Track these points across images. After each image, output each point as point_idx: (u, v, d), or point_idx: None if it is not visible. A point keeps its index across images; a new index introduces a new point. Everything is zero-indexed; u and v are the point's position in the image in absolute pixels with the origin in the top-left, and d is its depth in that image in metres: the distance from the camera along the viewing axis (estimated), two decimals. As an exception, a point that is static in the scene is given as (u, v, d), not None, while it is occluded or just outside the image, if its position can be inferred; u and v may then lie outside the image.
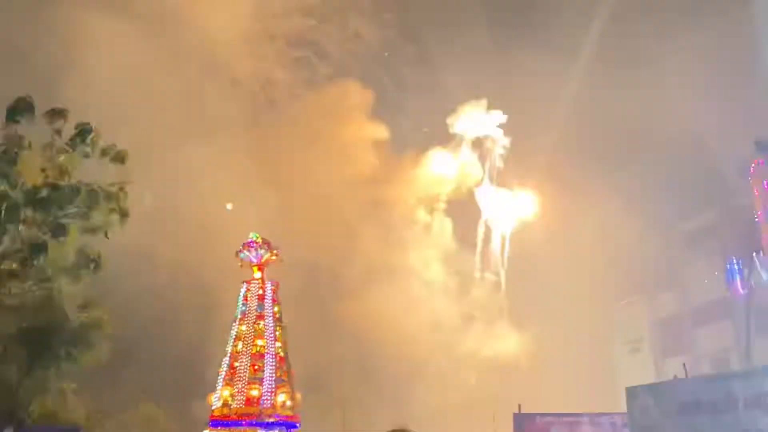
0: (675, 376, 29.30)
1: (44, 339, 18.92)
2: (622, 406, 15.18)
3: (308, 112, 45.79)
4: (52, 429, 20.09)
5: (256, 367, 28.72)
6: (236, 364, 28.77)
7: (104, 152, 20.84)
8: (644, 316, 36.52)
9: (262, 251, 30.59)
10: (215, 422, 28.06)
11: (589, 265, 39.40)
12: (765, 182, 25.01)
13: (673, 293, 34.68)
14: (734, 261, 28.94)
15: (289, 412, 28.89)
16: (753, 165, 25.33)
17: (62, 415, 21.47)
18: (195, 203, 37.67)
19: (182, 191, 37.33)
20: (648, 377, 30.20)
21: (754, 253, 27.35)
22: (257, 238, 30.63)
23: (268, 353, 29.45)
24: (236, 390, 27.98)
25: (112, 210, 20.64)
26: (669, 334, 34.33)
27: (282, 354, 29.87)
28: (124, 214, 21.10)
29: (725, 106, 27.87)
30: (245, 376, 28.50)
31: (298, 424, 28.88)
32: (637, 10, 38.54)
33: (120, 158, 21.22)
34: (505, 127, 48.00)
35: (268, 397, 28.61)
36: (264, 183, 40.65)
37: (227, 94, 44.61)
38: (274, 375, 28.83)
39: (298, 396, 29.50)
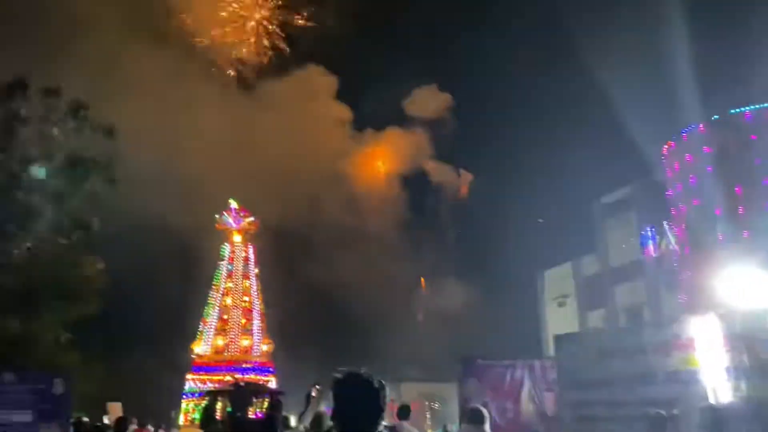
0: (594, 326, 30.47)
1: (42, 294, 18.70)
2: (552, 352, 15.65)
3: (278, 92, 45.17)
4: (49, 374, 19.89)
5: (245, 320, 29.06)
6: (225, 316, 28.97)
7: (94, 126, 20.46)
8: (570, 275, 37.18)
9: (242, 217, 30.51)
10: (198, 368, 28.18)
11: (523, 231, 40.28)
12: (676, 164, 25.46)
13: (596, 256, 35.33)
14: (648, 229, 29.78)
15: (265, 359, 29.21)
16: (666, 147, 25.81)
17: (58, 361, 21.26)
18: (176, 171, 37.02)
19: (164, 161, 36.56)
20: (573, 328, 31.07)
21: (665, 222, 28.11)
22: (235, 204, 30.47)
23: (254, 309, 29.76)
24: (229, 339, 28.24)
25: (102, 179, 20.35)
26: (591, 291, 34.93)
27: (262, 309, 30.20)
28: (112, 183, 20.82)
29: (644, 95, 28.33)
30: (237, 327, 28.77)
31: (272, 369, 29.21)
32: None
33: (109, 132, 20.84)
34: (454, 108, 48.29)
35: (257, 347, 28.98)
36: (238, 155, 40.09)
37: (204, 74, 43.74)
38: (261, 327, 29.21)
39: (272, 344, 29.81)
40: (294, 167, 41.80)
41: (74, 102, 19.72)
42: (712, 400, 9.12)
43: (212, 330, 28.79)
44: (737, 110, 22.73)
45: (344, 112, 46.09)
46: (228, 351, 28.27)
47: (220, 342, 28.13)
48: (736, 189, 21.30)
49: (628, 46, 32.96)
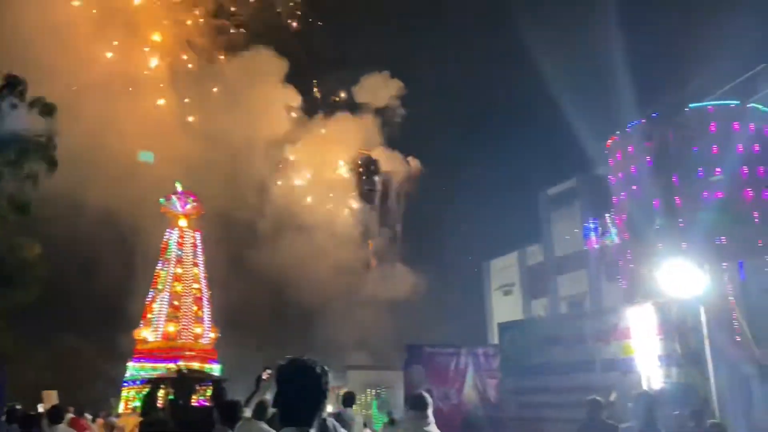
0: (539, 315, 31.16)
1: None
2: (496, 340, 15.96)
3: (226, 75, 44.30)
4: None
5: (196, 307, 28.60)
6: (176, 302, 28.41)
7: (33, 104, 19.60)
8: (516, 264, 37.78)
9: (188, 202, 29.88)
10: (140, 355, 27.54)
11: (470, 225, 40.88)
12: (618, 154, 26.14)
13: (540, 246, 35.97)
14: (591, 221, 30.58)
15: (209, 346, 28.83)
16: (609, 142, 26.49)
17: (-9, 349, 20.45)
18: (119, 154, 35.90)
19: (107, 142, 35.40)
20: (517, 316, 31.67)
21: (607, 215, 28.92)
22: (181, 187, 29.80)
23: (203, 296, 29.38)
24: (181, 326, 27.73)
25: (41, 159, 19.55)
26: (535, 280, 35.60)
27: (209, 296, 29.83)
28: (52, 164, 20.02)
29: (590, 92, 29.03)
30: (190, 314, 28.29)
31: (216, 356, 28.84)
32: None
33: (48, 111, 20.00)
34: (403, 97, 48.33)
35: (206, 334, 28.54)
36: (184, 137, 39.24)
37: (150, 55, 42.51)
38: (210, 315, 28.89)
39: (218, 332, 29.43)
40: (240, 151, 41.20)
41: (10, 77, 18.80)
42: (645, 387, 9.48)
43: (161, 317, 28.16)
44: (678, 108, 23.54)
45: (293, 96, 45.60)
46: (180, 338, 27.80)
47: (171, 329, 27.56)
48: (674, 180, 22.06)
49: (576, 43, 33.75)
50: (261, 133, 42.95)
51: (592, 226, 30.15)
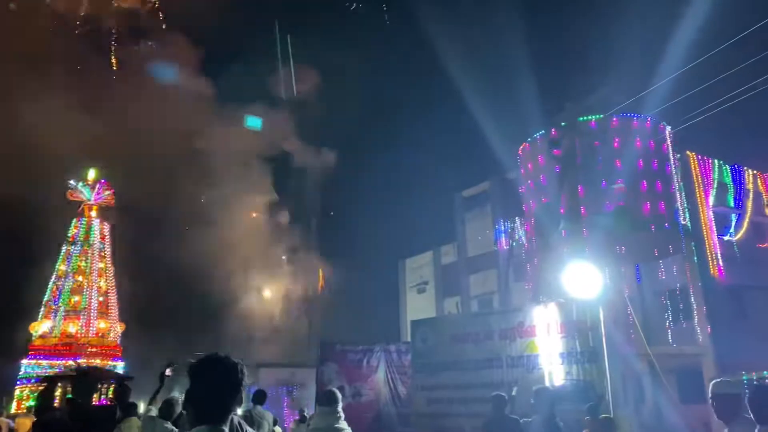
0: (449, 312, 31.75)
1: None
2: (409, 337, 16.20)
3: (137, 61, 42.57)
4: None
5: (100, 300, 27.17)
6: (77, 297, 26.87)
7: None
8: (430, 263, 38.42)
9: (102, 191, 28.45)
10: (36, 352, 25.97)
11: (386, 224, 41.22)
12: (530, 164, 27.10)
13: (454, 246, 36.72)
14: (502, 223, 31.61)
15: (112, 343, 27.56)
16: (521, 149, 27.42)
17: None
18: (17, 134, 33.65)
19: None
20: (431, 313, 32.23)
21: (517, 218, 29.98)
22: (95, 176, 28.31)
23: (110, 291, 27.94)
24: (83, 321, 26.24)
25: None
26: (448, 279, 36.28)
27: (107, 288, 28.41)
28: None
29: (503, 99, 29.99)
30: (94, 310, 26.83)
31: (120, 353, 27.64)
32: None
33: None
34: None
35: (111, 330, 27.16)
36: (88, 123, 37.35)
37: (52, 33, 40.11)
38: (116, 310, 27.53)
39: (123, 327, 28.18)
40: (149, 140, 39.63)
41: None
42: (546, 382, 9.93)
43: (60, 311, 26.60)
44: (584, 118, 24.68)
45: (206, 86, 44.37)
46: (81, 334, 26.35)
47: (72, 325, 26.06)
48: (579, 190, 23.17)
49: (491, 47, 34.75)
50: (172, 121, 41.48)
51: (502, 228, 31.18)
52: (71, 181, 28.54)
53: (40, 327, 26.13)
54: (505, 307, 25.66)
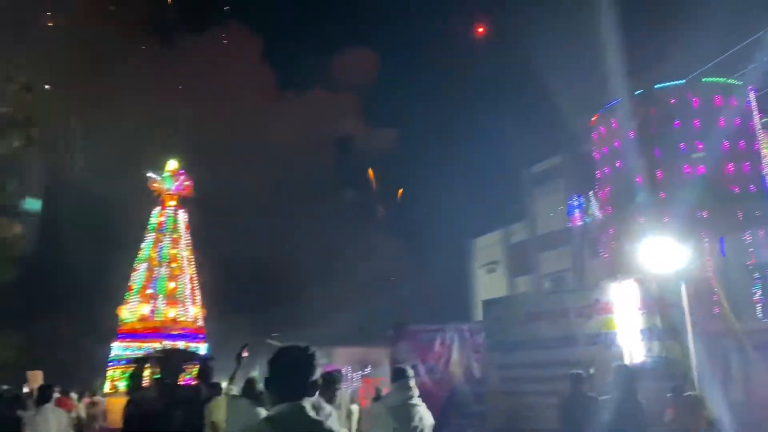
0: (522, 292, 31.45)
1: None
2: (480, 316, 16.09)
3: (199, 49, 43.87)
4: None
5: (173, 285, 28.53)
6: (161, 281, 28.27)
7: (9, 80, 19.21)
8: (499, 242, 38.03)
9: (180, 180, 29.59)
10: (125, 334, 27.47)
11: (455, 199, 40.89)
12: (602, 129, 26.30)
13: (524, 224, 36.21)
14: (574, 197, 30.83)
15: (195, 325, 28.84)
16: (593, 119, 26.66)
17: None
18: (98, 130, 35.36)
19: (83, 119, 34.81)
20: (501, 293, 32.02)
21: (591, 192, 29.16)
22: (176, 168, 29.45)
23: (185, 274, 29.29)
24: (166, 304, 27.63)
25: (19, 138, 19.25)
26: (519, 258, 35.89)
27: (192, 273, 29.77)
28: (30, 142, 19.73)
29: (575, 70, 29.00)
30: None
31: (202, 335, 28.88)
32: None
33: (26, 86, 19.65)
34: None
35: (188, 313, 28.46)
36: (157, 115, 38.85)
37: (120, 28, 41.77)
38: (192, 293, 28.82)
39: (203, 311, 29.42)
40: (216, 128, 40.86)
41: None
42: (626, 360, 9.69)
43: (146, 295, 28.07)
44: (661, 85, 23.69)
45: (268, 72, 45.22)
46: (165, 317, 27.76)
47: (147, 309, 27.43)
48: (656, 153, 22.31)
49: (562, 18, 33.60)
50: (237, 108, 42.55)
51: (575, 203, 30.41)
52: (150, 174, 29.76)
53: (126, 310, 27.58)
54: (581, 285, 25.16)
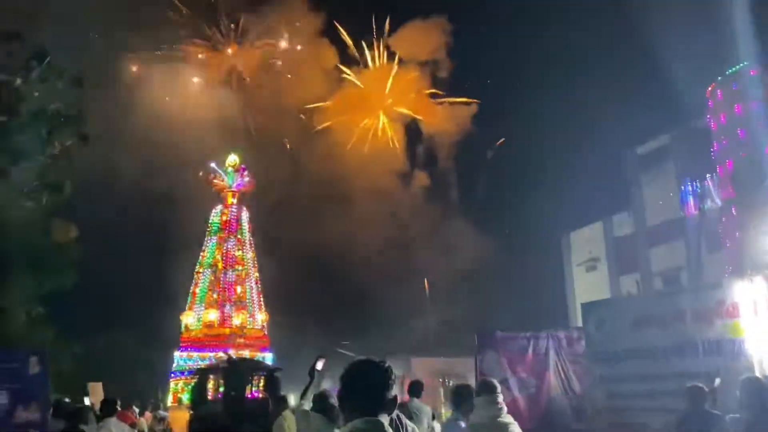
0: (628, 293, 30.69)
1: (11, 264, 18.92)
2: (579, 322, 15.81)
3: (256, 30, 45.11)
4: (23, 351, 20.28)
5: (240, 289, 29.49)
6: (219, 287, 29.26)
7: (60, 76, 20.38)
8: (600, 236, 37.27)
9: (241, 177, 30.47)
10: (187, 344, 28.62)
11: (544, 192, 40.19)
12: (719, 93, 25.23)
13: (629, 214, 35.37)
14: (688, 183, 29.69)
15: (260, 333, 29.69)
16: (709, 90, 25.55)
17: (32, 338, 21.67)
18: (154, 126, 36.99)
19: (140, 114, 36.53)
20: (603, 294, 31.30)
21: (708, 175, 28.03)
22: (235, 163, 30.31)
23: (250, 278, 30.21)
24: (225, 312, 28.60)
25: (72, 134, 20.40)
26: (624, 254, 35.10)
27: (257, 278, 30.70)
28: (84, 138, 20.86)
29: (683, 33, 27.88)
30: (233, 299, 29.19)
31: (268, 344, 29.70)
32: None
33: (77, 82, 20.79)
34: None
35: (253, 320, 29.33)
36: (216, 106, 40.18)
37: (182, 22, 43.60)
38: (257, 299, 29.67)
39: (268, 317, 30.23)
40: (278, 115, 41.80)
41: (37, 48, 19.58)
42: (757, 372, 9.27)
43: (207, 302, 29.11)
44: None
45: (330, 51, 45.79)
46: (222, 324, 28.71)
47: (212, 316, 28.44)
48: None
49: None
50: (300, 93, 43.43)
51: (689, 189, 29.31)
52: (213, 165, 30.59)
53: (188, 318, 28.69)
54: (699, 284, 24.28)
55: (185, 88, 41.62)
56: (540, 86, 45.11)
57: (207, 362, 25.31)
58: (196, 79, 43.04)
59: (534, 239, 42.88)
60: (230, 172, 30.80)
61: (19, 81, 19.21)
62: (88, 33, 35.96)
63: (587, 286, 36.00)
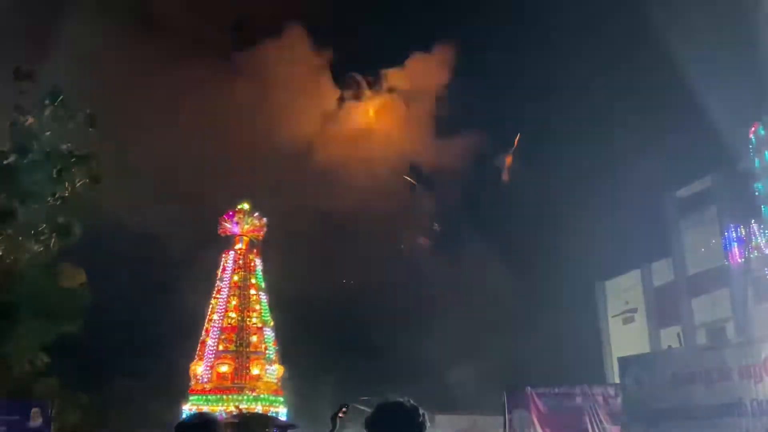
0: (669, 347, 30.30)
1: (16, 310, 19.12)
2: (616, 377, 15.63)
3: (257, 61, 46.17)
4: (25, 403, 20.37)
5: (255, 338, 29.60)
6: (229, 336, 29.39)
7: (73, 115, 20.87)
8: (638, 285, 36.97)
9: (252, 222, 30.90)
10: (196, 395, 28.58)
11: (580, 232, 39.96)
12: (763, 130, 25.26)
13: (669, 262, 35.11)
14: (732, 228, 29.41)
15: (273, 385, 29.59)
16: (753, 130, 25.54)
17: (34, 388, 21.79)
18: (168, 167, 37.71)
19: (156, 154, 37.30)
20: (641, 348, 30.87)
21: (753, 221, 27.81)
22: (248, 209, 30.80)
23: (266, 327, 30.33)
24: (237, 364, 28.69)
25: (83, 175, 20.79)
26: (664, 304, 34.75)
27: (270, 325, 30.80)
28: (95, 180, 21.25)
29: (726, 72, 28.03)
30: (245, 349, 29.30)
31: (282, 397, 29.58)
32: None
33: (91, 121, 21.29)
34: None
35: (266, 372, 29.33)
36: (225, 141, 40.97)
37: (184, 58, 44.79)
38: (270, 349, 29.78)
39: (283, 369, 30.17)
40: (284, 150, 42.47)
41: (51, 87, 20.14)
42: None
43: (213, 353, 29.14)
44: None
45: (332, 89, 46.68)
46: (234, 376, 28.70)
47: (224, 368, 28.48)
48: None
49: (705, 15, 32.56)
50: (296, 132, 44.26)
51: (734, 235, 29.03)
52: (223, 216, 31.15)
53: (197, 369, 28.73)
54: (746, 338, 23.92)
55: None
56: (578, 128, 45.31)
57: (217, 417, 25.24)
58: None
59: (567, 288, 42.54)
60: (240, 219, 31.33)
61: (30, 120, 19.75)
62: None
63: (624, 339, 35.62)
